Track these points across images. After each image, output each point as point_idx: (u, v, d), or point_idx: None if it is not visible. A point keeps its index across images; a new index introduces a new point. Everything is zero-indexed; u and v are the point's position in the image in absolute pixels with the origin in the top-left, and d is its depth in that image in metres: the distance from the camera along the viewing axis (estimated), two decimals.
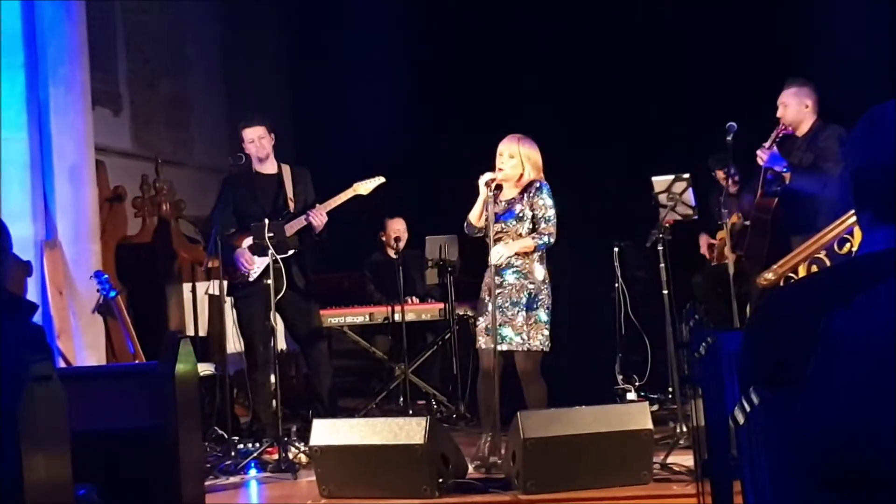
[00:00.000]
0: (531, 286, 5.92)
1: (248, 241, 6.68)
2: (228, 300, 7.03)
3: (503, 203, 6.00)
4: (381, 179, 6.86)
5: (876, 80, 7.74)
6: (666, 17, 9.80)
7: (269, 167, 6.95)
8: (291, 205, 6.87)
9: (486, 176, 5.90)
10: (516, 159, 5.96)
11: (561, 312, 6.19)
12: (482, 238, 6.04)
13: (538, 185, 5.98)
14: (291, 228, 6.74)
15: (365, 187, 6.83)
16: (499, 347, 5.85)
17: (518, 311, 5.90)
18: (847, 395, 1.63)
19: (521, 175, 5.98)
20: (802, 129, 6.57)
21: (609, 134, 9.63)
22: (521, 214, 5.95)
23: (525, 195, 5.98)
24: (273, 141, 6.96)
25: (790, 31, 9.05)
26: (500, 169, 5.95)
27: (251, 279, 6.75)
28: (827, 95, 6.65)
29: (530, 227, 5.96)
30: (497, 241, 5.92)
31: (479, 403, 6.22)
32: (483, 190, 5.90)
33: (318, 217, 6.72)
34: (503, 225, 5.95)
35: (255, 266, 6.73)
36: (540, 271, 5.97)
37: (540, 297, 5.93)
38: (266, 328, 6.61)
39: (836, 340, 1.65)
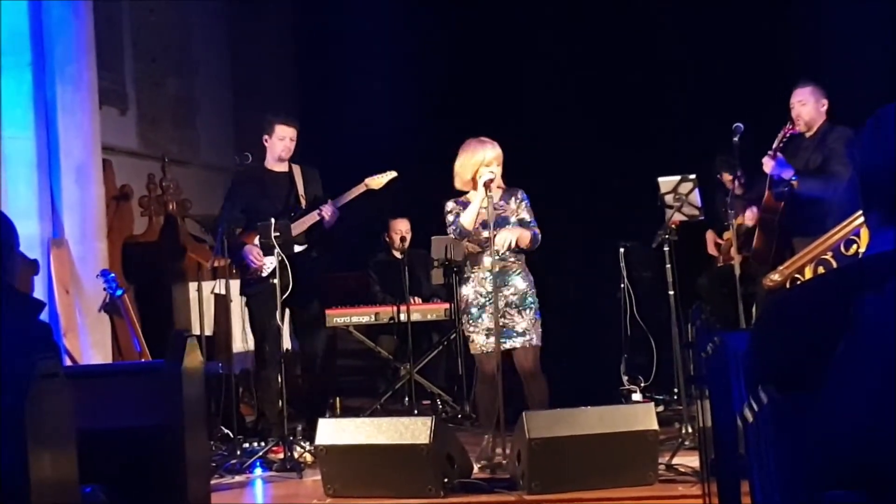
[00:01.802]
0: (522, 286, 5.94)
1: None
2: (235, 299, 7.05)
3: (491, 209, 5.98)
4: (392, 174, 6.87)
5: (882, 81, 7.73)
6: (671, 17, 9.79)
7: (282, 165, 6.98)
8: (303, 202, 6.90)
9: (486, 177, 5.88)
10: (499, 165, 5.98)
11: (566, 313, 6.20)
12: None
13: (520, 194, 6.03)
14: (304, 225, 6.78)
15: (377, 182, 6.84)
16: (504, 346, 5.86)
17: (515, 312, 5.91)
18: (871, 391, 1.63)
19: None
20: (813, 129, 6.56)
21: (615, 134, 9.62)
22: (512, 221, 5.97)
23: (507, 202, 5.99)
24: None
25: (795, 31, 9.04)
26: (492, 178, 5.95)
27: (263, 274, 6.74)
28: (833, 97, 6.65)
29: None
30: (487, 246, 5.91)
31: (479, 407, 6.22)
32: (482, 191, 5.87)
33: (330, 212, 6.74)
34: (497, 230, 5.93)
35: (267, 263, 6.73)
36: (528, 272, 6.02)
37: (531, 296, 5.97)
38: (276, 326, 6.61)
39: (851, 334, 1.65)
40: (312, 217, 6.77)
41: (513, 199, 6.01)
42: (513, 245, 5.90)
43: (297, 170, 7.00)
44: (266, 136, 6.93)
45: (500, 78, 10.13)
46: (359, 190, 6.84)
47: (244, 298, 7.09)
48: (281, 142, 6.89)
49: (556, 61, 10.09)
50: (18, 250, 3.02)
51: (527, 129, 6.21)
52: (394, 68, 10.19)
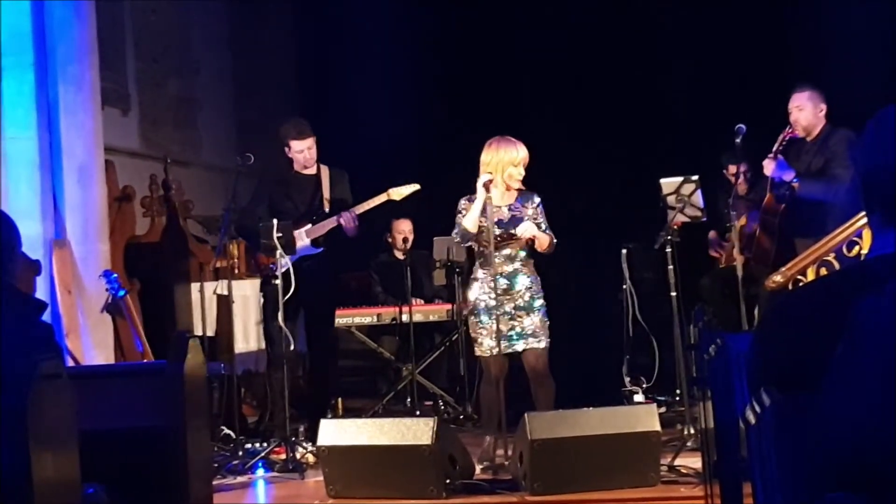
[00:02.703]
0: (529, 288, 5.94)
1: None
2: (237, 300, 7.05)
3: (505, 209, 5.98)
4: (416, 186, 6.87)
5: (883, 82, 7.72)
6: (672, 17, 9.79)
7: (310, 169, 7.00)
8: (327, 205, 6.91)
9: (484, 177, 5.87)
10: (524, 166, 5.97)
11: (569, 314, 6.18)
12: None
13: (535, 198, 6.01)
14: (324, 228, 6.80)
15: (399, 193, 6.84)
16: (514, 349, 5.87)
17: (525, 314, 5.91)
18: (870, 393, 1.63)
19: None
20: (813, 134, 6.55)
21: (618, 136, 9.62)
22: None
23: (525, 205, 5.99)
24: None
25: (797, 32, 9.04)
26: (519, 179, 5.94)
27: (278, 273, 6.71)
28: (833, 98, 6.64)
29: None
30: (502, 247, 5.90)
31: (482, 407, 6.22)
32: (482, 192, 5.86)
33: (350, 220, 6.74)
34: (509, 232, 5.93)
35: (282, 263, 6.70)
36: (536, 275, 6.02)
37: (539, 297, 5.96)
38: (290, 326, 6.61)
39: (852, 335, 1.65)
40: (332, 222, 6.79)
41: (529, 202, 6.01)
42: (533, 236, 5.87)
43: (325, 172, 7.03)
44: (286, 149, 6.96)
45: (501, 79, 10.13)
46: (380, 199, 6.84)
47: (261, 298, 7.12)
48: (300, 154, 6.93)
49: (557, 62, 10.09)
50: (20, 251, 3.02)
51: (529, 131, 6.18)
52: (395, 69, 10.19)
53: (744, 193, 7.43)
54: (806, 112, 6.52)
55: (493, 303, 5.85)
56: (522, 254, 5.99)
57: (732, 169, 7.61)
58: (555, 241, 5.96)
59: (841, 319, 1.67)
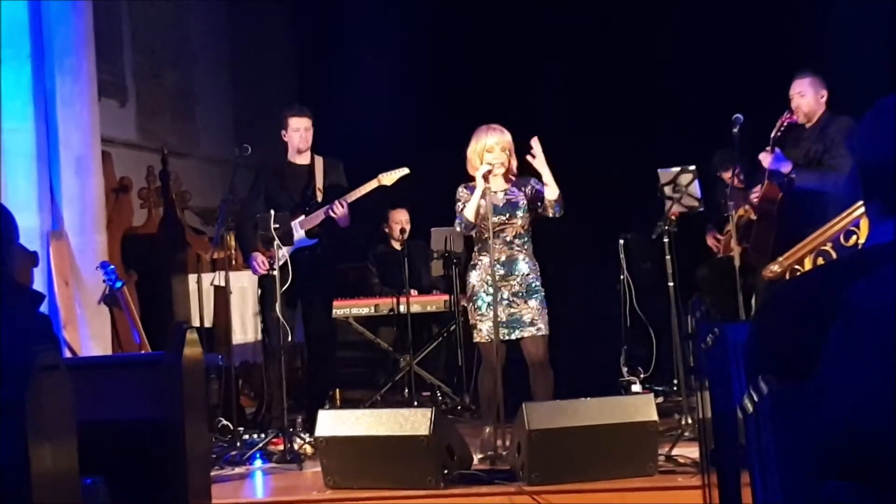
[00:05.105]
0: (527, 274, 5.95)
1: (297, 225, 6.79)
2: (235, 291, 7.05)
3: (500, 195, 5.99)
4: (405, 170, 6.86)
5: (882, 71, 7.72)
6: (671, 6, 9.78)
7: (303, 158, 7.00)
8: (319, 195, 6.90)
9: (484, 168, 5.87)
10: (507, 151, 5.98)
11: (566, 304, 6.18)
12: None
13: (532, 181, 6.01)
14: (316, 219, 6.79)
15: (389, 178, 6.84)
16: (512, 336, 5.87)
17: (521, 301, 5.92)
18: (864, 377, 1.63)
19: (510, 164, 6.01)
20: (813, 120, 6.54)
21: (615, 126, 9.61)
22: (525, 208, 5.97)
23: (520, 189, 6.00)
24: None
25: (796, 20, 9.03)
26: (502, 164, 5.94)
27: (276, 266, 6.71)
28: (833, 86, 6.64)
29: (530, 218, 6.00)
30: (498, 234, 5.91)
31: (481, 396, 6.22)
32: (481, 182, 5.87)
33: (339, 210, 6.73)
34: (506, 217, 5.94)
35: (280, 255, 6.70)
36: (534, 260, 6.02)
37: (538, 284, 5.97)
38: (287, 317, 6.61)
39: (847, 319, 1.65)
40: (323, 213, 6.77)
41: (524, 186, 6.01)
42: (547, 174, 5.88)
43: (318, 162, 7.01)
44: (283, 132, 6.96)
45: (498, 69, 10.12)
46: (370, 186, 6.83)
47: (259, 291, 7.13)
48: (296, 133, 6.92)
49: (556, 51, 10.08)
50: (18, 242, 3.02)
51: (526, 120, 6.19)
52: (393, 58, 10.18)
53: (741, 188, 7.42)
54: (807, 98, 6.51)
55: (491, 289, 5.86)
56: (520, 240, 6.00)
57: (727, 175, 7.57)
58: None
59: (838, 308, 1.67)
